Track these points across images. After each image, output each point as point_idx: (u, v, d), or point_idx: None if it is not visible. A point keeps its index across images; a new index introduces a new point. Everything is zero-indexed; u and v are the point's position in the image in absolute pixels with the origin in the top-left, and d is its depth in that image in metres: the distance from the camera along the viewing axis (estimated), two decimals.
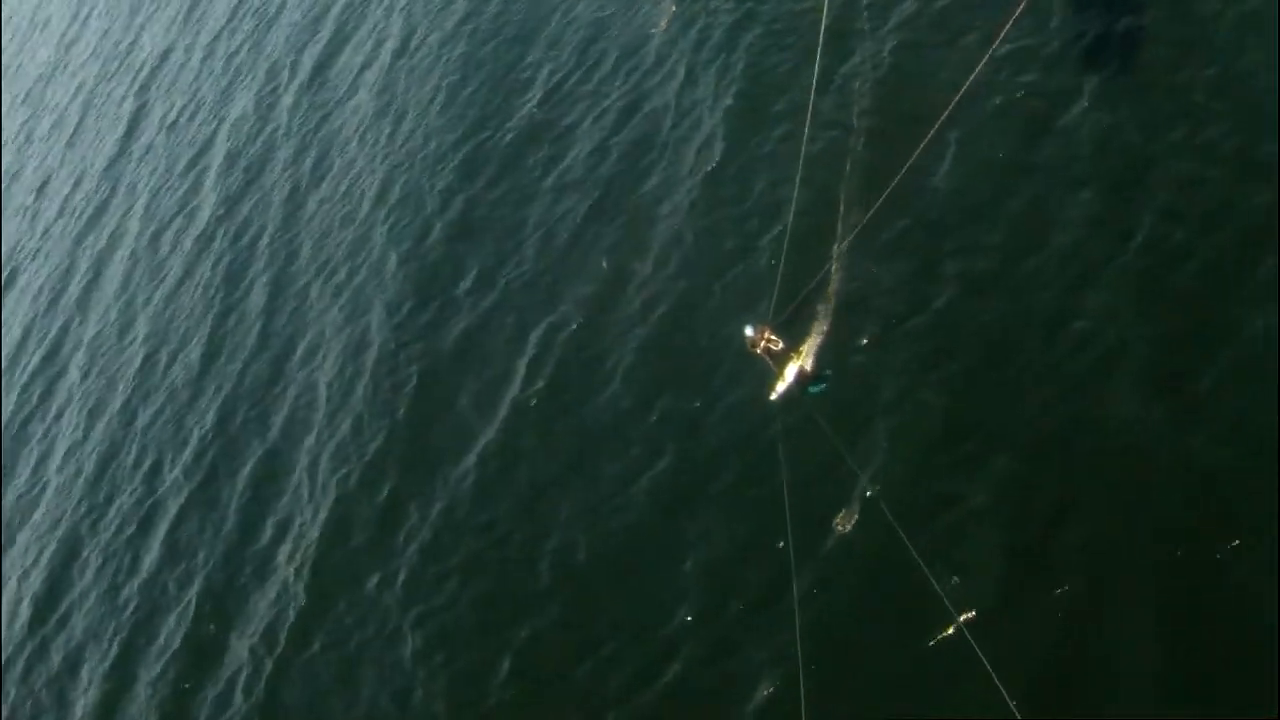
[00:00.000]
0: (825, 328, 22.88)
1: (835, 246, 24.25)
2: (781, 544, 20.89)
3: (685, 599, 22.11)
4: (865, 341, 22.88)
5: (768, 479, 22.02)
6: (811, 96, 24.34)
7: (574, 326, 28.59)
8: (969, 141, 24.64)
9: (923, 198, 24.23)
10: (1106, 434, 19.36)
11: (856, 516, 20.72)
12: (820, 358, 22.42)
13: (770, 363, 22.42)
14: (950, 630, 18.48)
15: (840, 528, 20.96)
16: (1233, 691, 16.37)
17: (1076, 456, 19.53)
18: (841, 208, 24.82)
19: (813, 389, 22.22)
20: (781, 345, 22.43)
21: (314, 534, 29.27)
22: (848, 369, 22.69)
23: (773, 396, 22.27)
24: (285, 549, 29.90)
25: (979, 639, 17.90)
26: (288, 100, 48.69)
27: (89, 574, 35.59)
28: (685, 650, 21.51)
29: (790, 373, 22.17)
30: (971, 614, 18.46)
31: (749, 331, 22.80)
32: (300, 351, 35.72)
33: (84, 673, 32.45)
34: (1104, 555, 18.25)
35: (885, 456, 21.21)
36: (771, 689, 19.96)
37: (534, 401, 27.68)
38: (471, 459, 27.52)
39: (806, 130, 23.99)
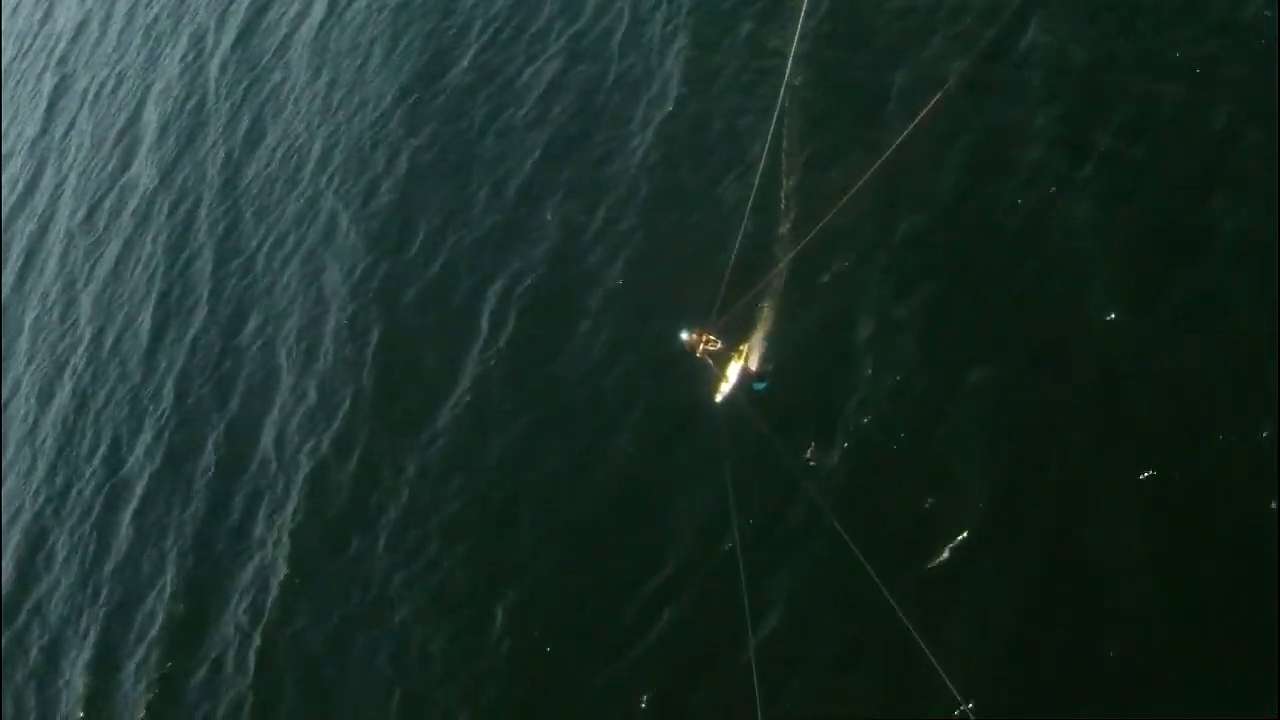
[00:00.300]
0: (769, 321, 22.34)
1: (787, 183, 24.22)
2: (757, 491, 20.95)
3: (671, 549, 21.93)
4: (835, 272, 22.71)
5: (746, 424, 21.84)
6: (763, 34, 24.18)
7: (531, 280, 28.28)
8: (920, 68, 24.59)
9: (880, 127, 24.17)
10: (1084, 348, 19.42)
11: (842, 446, 20.75)
12: (764, 354, 22.01)
13: (711, 364, 21.84)
14: (944, 555, 18.69)
15: (812, 462, 21.03)
16: (1228, 620, 16.29)
17: (1055, 375, 19.53)
18: (785, 142, 24.77)
19: (756, 387, 21.72)
20: (720, 345, 21.77)
21: (288, 506, 28.93)
22: (818, 303, 22.59)
23: (717, 399, 21.65)
24: (259, 523, 29.57)
25: (969, 562, 18.32)
26: (214, 67, 47.82)
27: (57, 564, 35.04)
28: (674, 601, 21.34)
29: (733, 373, 21.63)
30: (961, 540, 18.62)
31: (685, 335, 22.03)
32: (254, 321, 35.20)
33: (64, 664, 31.99)
34: (1088, 474, 18.33)
35: (864, 387, 21.11)
36: (768, 632, 19.94)
37: (499, 359, 27.37)
38: (443, 419, 27.24)
39: (785, 78, 23.80)
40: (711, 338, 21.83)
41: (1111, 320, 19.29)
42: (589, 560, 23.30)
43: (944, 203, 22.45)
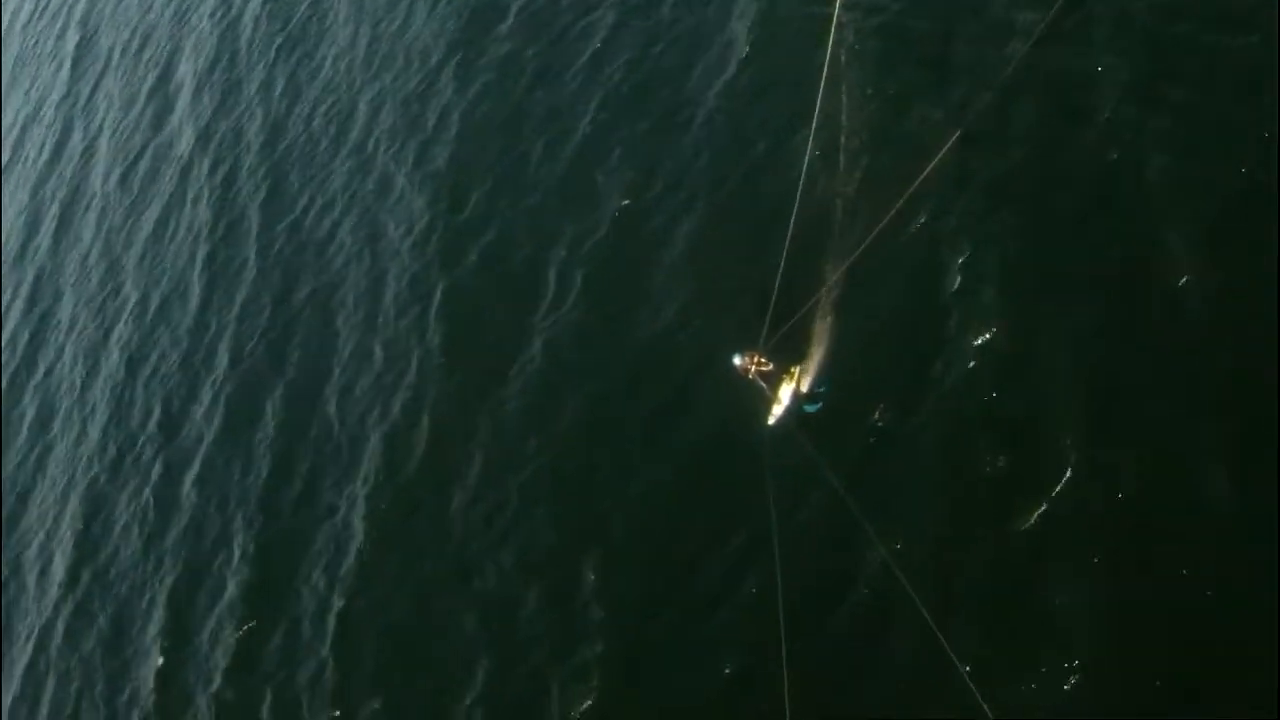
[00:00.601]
0: (823, 338, 21.96)
1: (850, 145, 24.06)
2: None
3: (748, 514, 21.58)
4: (917, 227, 22.43)
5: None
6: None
7: (593, 243, 28.01)
8: (989, 19, 24.35)
9: (949, 75, 24.05)
10: (1158, 302, 19.35)
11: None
12: (816, 375, 21.72)
13: (764, 386, 21.62)
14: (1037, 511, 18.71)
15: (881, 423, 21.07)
16: None
17: (1132, 328, 19.50)
18: (847, 100, 24.58)
19: (808, 408, 21.57)
20: (772, 366, 21.56)
21: (359, 470, 28.82)
22: (902, 247, 22.31)
23: (770, 422, 21.47)
24: (328, 489, 29.43)
25: (1005, 575, 18.57)
26: (246, 22, 47.36)
27: (116, 532, 34.94)
28: (758, 563, 21.11)
29: (785, 394, 21.46)
30: (998, 553, 18.81)
31: (737, 360, 21.87)
32: (307, 284, 34.95)
33: (133, 632, 31.94)
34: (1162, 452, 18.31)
35: (955, 319, 21.16)
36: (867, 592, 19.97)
37: (567, 320, 27.13)
38: (513, 382, 27.03)
39: (847, 33, 23.51)
40: (762, 360, 21.68)
41: (1187, 279, 19.15)
42: (668, 526, 23.19)
43: (1022, 148, 22.17)
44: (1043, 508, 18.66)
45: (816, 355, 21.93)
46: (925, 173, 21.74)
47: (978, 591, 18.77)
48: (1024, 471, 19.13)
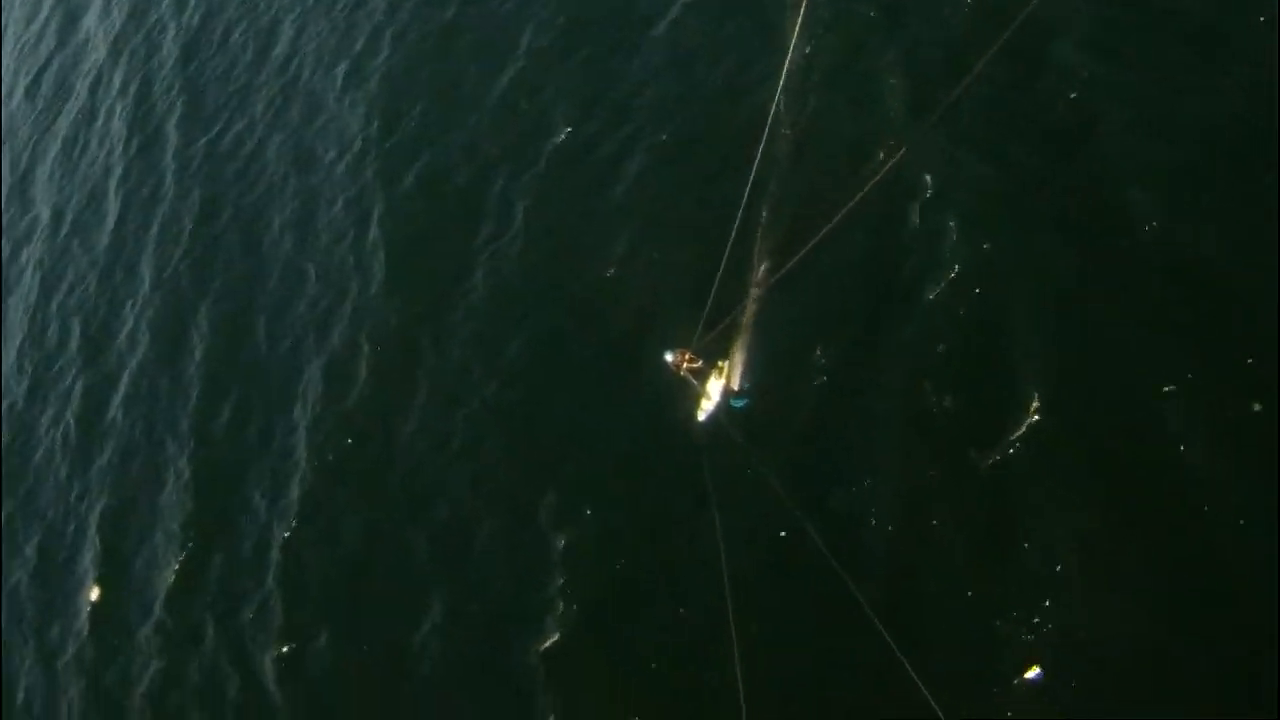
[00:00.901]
0: (748, 337, 21.88)
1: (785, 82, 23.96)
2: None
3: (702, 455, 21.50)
4: (876, 180, 22.03)
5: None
6: None
7: (533, 174, 27.62)
8: None
9: (906, 21, 24.04)
10: (1125, 254, 19.36)
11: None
12: (744, 370, 21.66)
13: (694, 382, 21.70)
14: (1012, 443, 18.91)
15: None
16: None
17: (1100, 257, 19.50)
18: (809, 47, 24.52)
19: (735, 404, 21.62)
20: (700, 363, 21.74)
21: (298, 397, 28.37)
22: (862, 203, 21.54)
23: (700, 417, 21.61)
24: (261, 414, 29.09)
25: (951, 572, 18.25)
26: None
27: (37, 458, 34.36)
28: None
29: (715, 390, 21.61)
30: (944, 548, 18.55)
31: (669, 357, 21.92)
32: (230, 204, 34.40)
33: (62, 560, 31.55)
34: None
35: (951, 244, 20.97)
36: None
37: (507, 252, 26.68)
38: (455, 311, 26.66)
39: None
40: (693, 356, 21.83)
41: (1149, 226, 19.17)
42: (621, 459, 22.99)
43: (996, 88, 21.78)
44: (1005, 452, 18.54)
45: (745, 349, 21.99)
46: (889, 139, 21.74)
47: (926, 581, 18.55)
48: (983, 430, 18.88)
